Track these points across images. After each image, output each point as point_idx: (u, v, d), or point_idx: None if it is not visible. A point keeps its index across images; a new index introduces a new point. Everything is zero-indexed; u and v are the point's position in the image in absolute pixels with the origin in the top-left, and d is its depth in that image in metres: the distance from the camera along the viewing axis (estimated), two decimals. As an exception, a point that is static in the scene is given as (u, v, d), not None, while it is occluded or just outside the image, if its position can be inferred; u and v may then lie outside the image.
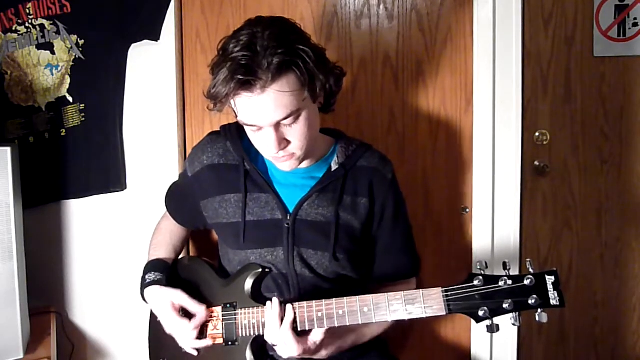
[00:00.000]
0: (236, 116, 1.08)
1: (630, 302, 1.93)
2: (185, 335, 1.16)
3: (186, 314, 1.17)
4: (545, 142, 1.81)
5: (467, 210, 1.65)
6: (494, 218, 1.65)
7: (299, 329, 1.08)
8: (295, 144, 1.09)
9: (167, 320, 1.18)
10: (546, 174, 1.83)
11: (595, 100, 1.84)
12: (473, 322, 1.65)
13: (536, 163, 1.82)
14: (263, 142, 1.09)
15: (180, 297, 1.17)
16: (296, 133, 1.08)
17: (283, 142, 1.07)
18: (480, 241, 1.65)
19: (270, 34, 1.01)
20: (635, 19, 1.81)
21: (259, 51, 0.99)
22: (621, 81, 1.84)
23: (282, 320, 1.06)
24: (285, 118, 1.04)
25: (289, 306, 1.07)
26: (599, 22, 1.81)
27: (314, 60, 1.04)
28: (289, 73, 1.01)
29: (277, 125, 1.05)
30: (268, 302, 1.09)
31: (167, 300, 1.18)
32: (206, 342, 1.15)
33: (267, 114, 1.03)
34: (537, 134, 1.81)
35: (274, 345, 1.09)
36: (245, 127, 1.10)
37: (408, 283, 1.32)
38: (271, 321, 1.07)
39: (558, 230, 1.86)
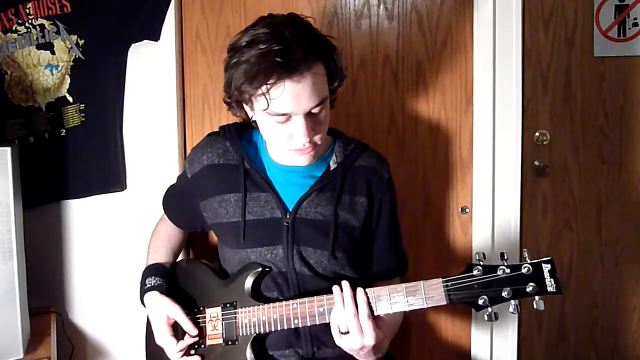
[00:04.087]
0: (265, 108, 1.04)
1: (630, 302, 1.93)
2: (170, 354, 1.17)
3: (180, 328, 1.18)
4: (545, 142, 1.81)
5: (467, 210, 1.65)
6: (494, 218, 1.65)
7: (301, 325, 1.09)
8: (319, 134, 1.11)
9: (158, 331, 1.19)
10: (546, 174, 1.83)
11: (595, 100, 1.84)
12: (473, 321, 1.67)
13: (536, 163, 1.82)
14: (292, 131, 1.08)
15: (177, 313, 1.17)
16: (320, 123, 1.10)
17: (311, 132, 1.08)
18: (480, 241, 1.65)
19: (292, 25, 1.04)
20: (635, 19, 1.82)
21: (290, 40, 1.01)
22: (621, 81, 1.84)
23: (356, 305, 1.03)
24: (317, 105, 1.06)
25: (360, 290, 1.05)
26: (599, 22, 1.81)
27: (335, 51, 1.10)
28: (318, 61, 1.06)
29: (309, 113, 1.06)
30: (344, 282, 1.05)
31: (163, 312, 1.18)
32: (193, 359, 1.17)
33: (304, 100, 1.04)
34: (537, 134, 1.81)
35: (345, 334, 1.05)
36: (267, 122, 1.09)
37: (394, 281, 1.32)
38: (347, 306, 1.04)
39: (558, 230, 1.87)
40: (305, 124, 1.06)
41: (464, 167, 1.64)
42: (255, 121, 1.16)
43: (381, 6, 1.58)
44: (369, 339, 1.03)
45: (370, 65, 1.60)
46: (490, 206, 1.64)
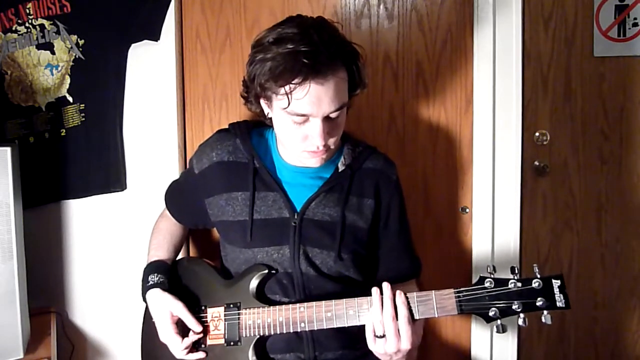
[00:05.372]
0: (285, 107, 1.05)
1: (630, 302, 1.93)
2: (175, 351, 1.17)
3: (182, 325, 1.18)
4: (545, 142, 1.81)
5: (467, 210, 1.65)
6: (494, 218, 1.65)
7: (307, 329, 1.09)
8: (333, 138, 1.12)
9: (162, 329, 1.19)
10: (546, 174, 1.82)
11: (595, 100, 1.84)
12: (473, 321, 1.67)
13: (536, 163, 1.81)
14: (308, 133, 1.09)
15: (181, 310, 1.17)
16: (336, 127, 1.11)
17: (327, 136, 1.09)
18: (481, 241, 1.65)
19: (320, 29, 1.05)
20: (635, 19, 1.81)
21: (318, 42, 1.02)
22: (621, 81, 1.84)
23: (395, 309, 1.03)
24: (337, 110, 1.07)
25: (399, 293, 1.04)
26: (599, 22, 1.81)
27: (359, 58, 1.11)
28: (342, 66, 1.07)
29: (327, 117, 1.07)
30: (384, 284, 1.05)
31: (166, 309, 1.18)
32: (197, 356, 1.17)
33: (325, 103, 1.05)
34: (537, 134, 1.81)
35: (381, 337, 1.04)
36: (284, 120, 1.09)
37: (409, 284, 1.32)
38: (386, 308, 1.03)
39: (558, 230, 1.86)
40: (322, 128, 1.07)
41: (464, 167, 1.64)
42: (270, 118, 1.17)
43: (381, 6, 1.58)
44: (406, 342, 1.02)
45: (370, 65, 1.59)
46: (490, 206, 1.64)
